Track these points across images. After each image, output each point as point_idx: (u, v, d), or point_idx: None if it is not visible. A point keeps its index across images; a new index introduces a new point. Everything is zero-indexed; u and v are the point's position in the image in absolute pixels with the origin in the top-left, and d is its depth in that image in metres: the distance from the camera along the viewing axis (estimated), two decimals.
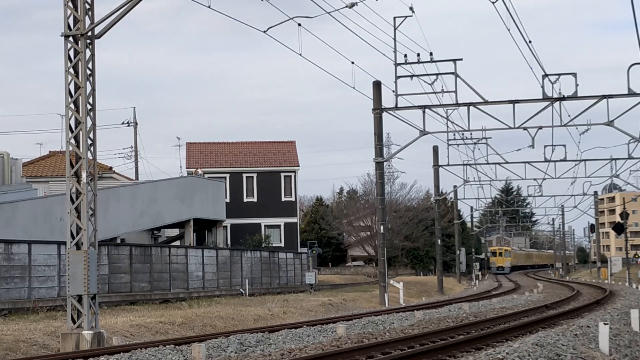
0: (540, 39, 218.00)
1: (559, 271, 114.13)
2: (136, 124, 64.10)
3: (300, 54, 26.65)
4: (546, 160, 46.14)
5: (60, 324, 20.57)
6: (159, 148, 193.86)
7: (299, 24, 25.65)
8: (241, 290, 42.68)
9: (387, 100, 37.02)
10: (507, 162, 50.09)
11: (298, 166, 62.70)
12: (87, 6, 18.11)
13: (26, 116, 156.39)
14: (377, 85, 37.34)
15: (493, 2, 25.27)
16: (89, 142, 18.08)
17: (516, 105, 35.18)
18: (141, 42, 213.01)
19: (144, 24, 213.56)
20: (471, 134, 48.00)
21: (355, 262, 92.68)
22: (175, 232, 52.27)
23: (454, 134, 47.68)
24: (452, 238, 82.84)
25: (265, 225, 61.23)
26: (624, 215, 76.98)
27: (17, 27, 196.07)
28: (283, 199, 61.85)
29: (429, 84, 34.92)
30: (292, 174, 62.34)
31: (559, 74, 33.91)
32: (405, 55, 35.00)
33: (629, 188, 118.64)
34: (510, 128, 35.78)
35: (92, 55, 18.21)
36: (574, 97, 33.96)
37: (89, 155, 18.06)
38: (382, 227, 37.75)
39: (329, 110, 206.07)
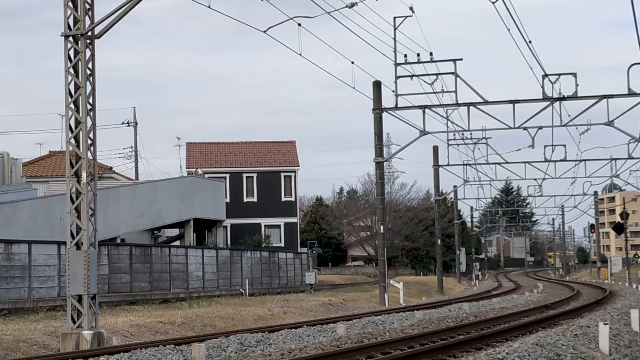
0: (540, 39, 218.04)
1: (558, 271, 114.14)
2: (136, 124, 64.21)
3: (300, 54, 26.66)
4: (546, 160, 46.13)
5: (60, 324, 20.56)
6: (159, 148, 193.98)
7: (299, 24, 25.65)
8: (241, 290, 42.67)
9: (387, 100, 37.06)
10: (507, 162, 50.12)
11: (298, 166, 62.72)
12: (87, 6, 18.10)
13: (26, 116, 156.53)
14: (377, 85, 37.34)
15: (493, 2, 25.28)
16: (89, 142, 18.07)
17: (516, 105, 35.18)
18: (141, 42, 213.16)
19: (145, 23, 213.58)
20: (471, 134, 48.05)
21: (355, 262, 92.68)
22: (175, 232, 52.26)
23: (454, 134, 47.68)
24: (452, 238, 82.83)
25: (265, 225, 61.23)
26: (624, 215, 76.99)
27: (18, 27, 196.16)
28: (283, 199, 61.86)
29: (429, 84, 34.94)
30: (292, 174, 62.34)
31: (559, 74, 33.90)
32: (405, 55, 35.02)
33: (629, 188, 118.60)
34: (510, 128, 35.78)
35: (92, 55, 18.21)
36: (574, 97, 33.96)
37: (89, 155, 18.05)
38: (382, 227, 37.75)
39: (329, 110, 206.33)
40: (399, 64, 34.89)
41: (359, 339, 17.32)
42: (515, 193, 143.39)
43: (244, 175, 61.60)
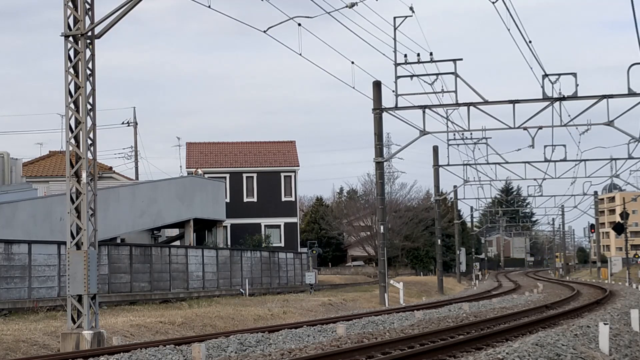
0: (540, 39, 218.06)
1: (559, 271, 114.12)
2: (136, 124, 64.23)
3: (300, 54, 26.67)
4: (546, 160, 46.14)
5: (60, 324, 20.57)
6: (159, 148, 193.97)
7: (299, 24, 25.65)
8: (241, 290, 42.67)
9: (387, 100, 37.06)
10: (507, 162, 50.12)
11: (298, 166, 62.71)
12: (87, 6, 18.10)
13: (26, 116, 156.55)
14: (377, 85, 37.33)
15: (493, 2, 25.27)
16: (89, 142, 18.07)
17: (516, 105, 35.18)
18: (141, 42, 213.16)
19: (145, 23, 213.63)
20: (471, 134, 48.05)
21: (355, 262, 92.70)
22: (175, 232, 52.26)
23: (454, 134, 47.69)
24: (452, 238, 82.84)
25: (265, 225, 61.23)
26: (624, 215, 77.01)
27: (18, 27, 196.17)
28: (283, 199, 61.85)
29: (429, 84, 34.94)
30: (292, 174, 62.34)
31: (559, 74, 33.90)
32: (405, 55, 35.02)
33: (629, 188, 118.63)
34: (510, 128, 35.78)
35: (92, 55, 18.20)
36: (574, 97, 33.96)
37: (89, 155, 18.05)
38: (382, 227, 37.75)
39: (329, 110, 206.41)
40: (399, 64, 34.90)
41: (359, 339, 17.32)
42: (515, 193, 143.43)
43: (244, 175, 61.60)
